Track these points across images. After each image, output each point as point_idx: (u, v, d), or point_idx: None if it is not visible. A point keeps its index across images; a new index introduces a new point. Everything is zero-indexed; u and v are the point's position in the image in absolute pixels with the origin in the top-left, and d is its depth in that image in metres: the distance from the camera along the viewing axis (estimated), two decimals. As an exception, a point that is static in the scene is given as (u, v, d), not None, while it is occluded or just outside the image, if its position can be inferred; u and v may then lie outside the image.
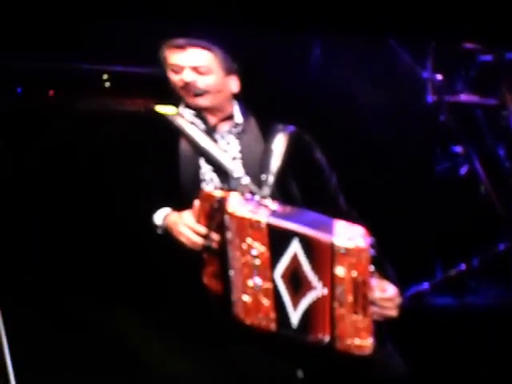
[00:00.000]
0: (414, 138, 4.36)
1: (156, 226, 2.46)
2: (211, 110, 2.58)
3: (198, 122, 2.58)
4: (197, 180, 2.54)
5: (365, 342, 2.30)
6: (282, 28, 3.95)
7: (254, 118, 2.67)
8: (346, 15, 3.95)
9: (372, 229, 3.65)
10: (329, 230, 2.30)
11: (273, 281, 2.33)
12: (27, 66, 3.48)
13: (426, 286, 4.16)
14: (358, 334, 2.29)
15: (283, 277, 2.33)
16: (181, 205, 2.42)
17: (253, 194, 2.49)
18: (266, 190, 2.53)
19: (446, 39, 4.27)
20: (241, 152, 2.59)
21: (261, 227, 2.31)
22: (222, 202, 2.34)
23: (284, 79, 4.08)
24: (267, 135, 2.61)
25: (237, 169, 2.55)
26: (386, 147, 4.28)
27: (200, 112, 2.58)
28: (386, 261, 2.46)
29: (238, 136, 2.61)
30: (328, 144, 4.11)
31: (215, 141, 2.57)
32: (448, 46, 4.33)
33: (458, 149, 4.39)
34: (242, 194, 2.44)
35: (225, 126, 2.61)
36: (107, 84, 3.70)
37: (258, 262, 2.33)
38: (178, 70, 2.53)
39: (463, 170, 4.38)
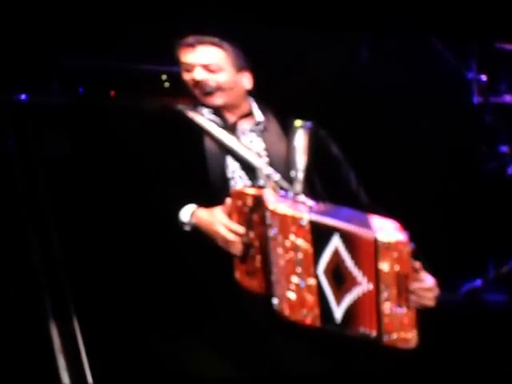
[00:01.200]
0: (462, 139, 4.39)
1: (183, 223, 2.42)
2: (227, 107, 2.57)
3: (218, 120, 2.57)
4: (224, 178, 2.51)
5: (410, 335, 2.32)
6: (326, 29, 3.98)
7: (272, 114, 2.65)
8: (390, 15, 3.99)
9: (427, 227, 3.69)
10: (368, 225, 2.31)
11: (316, 277, 2.32)
12: (89, 66, 3.53)
13: (478, 282, 4.17)
14: (403, 328, 2.31)
15: (326, 272, 2.32)
16: (209, 203, 2.40)
17: (285, 190, 2.47)
18: (298, 187, 2.52)
19: (490, 40, 4.31)
20: (266, 150, 2.57)
21: (303, 224, 2.30)
22: (258, 199, 2.33)
23: (327, 78, 4.12)
24: (288, 132, 2.59)
25: (265, 166, 2.53)
26: (435, 147, 4.31)
27: (217, 110, 2.56)
28: (421, 253, 2.44)
29: (261, 134, 2.59)
30: (377, 145, 4.17)
31: (237, 138, 2.55)
32: (491, 47, 4.36)
33: (505, 148, 4.42)
34: (275, 191, 2.43)
35: (245, 124, 2.60)
36: (166, 84, 3.74)
37: (301, 258, 2.32)
38: (189, 68, 2.52)
39: (511, 170, 4.41)
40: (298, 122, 2.62)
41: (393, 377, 2.57)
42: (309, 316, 2.35)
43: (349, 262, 2.31)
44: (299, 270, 2.33)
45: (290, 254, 2.31)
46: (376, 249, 2.27)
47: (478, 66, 4.36)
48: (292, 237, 2.31)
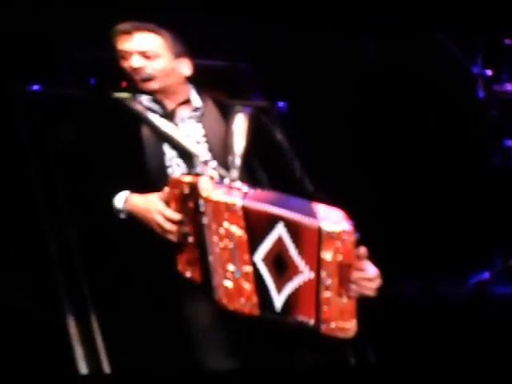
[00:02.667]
0: (468, 133, 4.42)
1: (118, 211, 2.42)
2: (165, 93, 2.55)
3: (156, 107, 2.55)
4: (162, 166, 2.50)
5: (349, 325, 2.30)
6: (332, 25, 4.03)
7: (212, 100, 2.64)
8: (395, 10, 4.04)
9: (436, 220, 3.72)
10: (312, 213, 2.26)
11: (253, 264, 2.30)
12: (101, 57, 3.53)
13: (486, 275, 4.18)
14: (342, 317, 2.28)
15: (265, 260, 2.29)
16: (147, 191, 2.40)
17: (222, 177, 2.46)
18: (235, 173, 2.49)
19: (496, 34, 4.35)
20: (205, 136, 2.55)
21: (236, 210, 2.28)
22: (193, 186, 2.31)
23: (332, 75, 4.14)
24: (227, 117, 2.57)
25: (203, 153, 2.51)
26: (441, 142, 4.34)
27: (155, 97, 2.55)
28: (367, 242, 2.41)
29: (199, 120, 2.57)
30: (382, 140, 4.21)
31: (176, 125, 2.54)
32: (496, 42, 4.40)
33: (510, 143, 4.44)
34: (212, 178, 2.40)
35: (184, 111, 2.58)
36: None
37: (235, 245, 2.30)
38: (126, 56, 2.52)
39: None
40: (237, 108, 2.60)
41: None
42: (247, 305, 2.33)
43: (292, 250, 2.28)
44: (234, 257, 2.31)
45: (224, 241, 2.29)
46: (320, 238, 2.22)
47: (483, 60, 4.39)
48: (226, 224, 2.28)
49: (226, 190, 2.31)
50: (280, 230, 2.27)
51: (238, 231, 2.28)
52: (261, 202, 2.28)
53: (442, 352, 3.36)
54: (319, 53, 4.04)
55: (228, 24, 3.83)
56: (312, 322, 2.29)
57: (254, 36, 3.90)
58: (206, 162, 2.49)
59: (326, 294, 2.26)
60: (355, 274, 2.26)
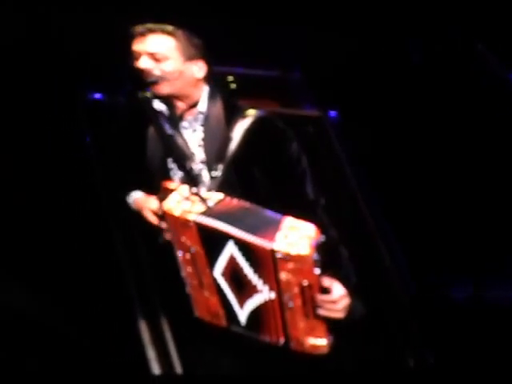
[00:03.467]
0: (503, 138, 4.45)
1: (131, 207, 2.54)
2: (175, 96, 2.48)
3: (165, 109, 2.50)
4: (165, 168, 2.50)
5: (320, 342, 2.24)
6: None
7: (222, 103, 2.52)
8: (439, 20, 4.10)
9: (486, 224, 3.72)
10: (271, 232, 2.17)
11: (214, 279, 2.28)
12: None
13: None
14: (312, 335, 2.23)
15: (224, 275, 2.27)
16: (154, 191, 2.43)
17: (198, 187, 2.39)
18: (213, 183, 2.44)
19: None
20: (203, 140, 2.49)
21: (190, 226, 2.24)
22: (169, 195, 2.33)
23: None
24: (230, 122, 2.47)
25: (194, 158, 2.47)
26: (476, 147, 4.37)
27: (166, 99, 2.49)
28: (339, 260, 2.35)
29: (203, 124, 2.50)
30: (433, 143, 4.23)
31: (179, 128, 2.50)
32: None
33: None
34: (195, 185, 2.38)
35: (192, 113, 2.52)
36: (233, 85, 3.83)
37: (194, 258, 2.28)
38: (137, 57, 2.45)
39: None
40: (249, 112, 2.47)
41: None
42: (215, 317, 2.33)
43: (247, 268, 2.23)
44: (197, 270, 2.30)
45: (186, 255, 2.30)
46: (273, 259, 2.15)
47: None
48: (183, 238, 2.28)
49: (189, 203, 2.28)
50: (231, 248, 2.23)
51: (193, 245, 2.27)
52: (216, 217, 2.23)
53: (494, 354, 3.40)
54: (369, 62, 4.09)
55: (280, 35, 3.90)
56: (281, 340, 2.26)
57: (305, 46, 3.95)
58: (190, 169, 2.46)
59: (291, 315, 2.21)
60: (320, 297, 2.19)
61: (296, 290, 2.17)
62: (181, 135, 2.48)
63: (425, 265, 3.76)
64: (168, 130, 2.48)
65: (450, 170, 4.21)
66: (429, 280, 3.79)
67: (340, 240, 2.40)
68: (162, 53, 2.42)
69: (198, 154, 2.47)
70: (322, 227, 2.27)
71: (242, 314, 2.29)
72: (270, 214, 2.27)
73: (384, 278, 3.65)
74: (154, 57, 2.42)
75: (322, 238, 2.17)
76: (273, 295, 2.21)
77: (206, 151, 2.46)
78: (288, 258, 2.13)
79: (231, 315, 2.31)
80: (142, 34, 2.43)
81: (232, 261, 2.25)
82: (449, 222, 4.01)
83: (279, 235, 2.16)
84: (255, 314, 2.27)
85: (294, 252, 2.12)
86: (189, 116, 2.49)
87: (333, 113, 3.88)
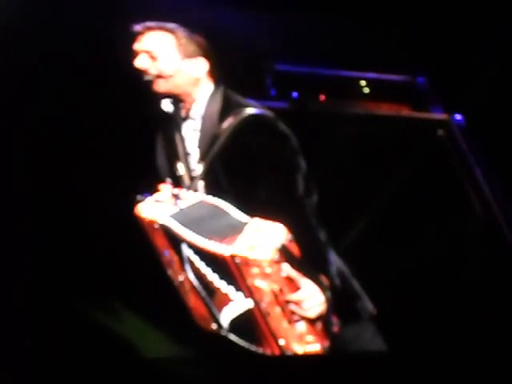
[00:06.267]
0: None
1: None
2: (176, 95, 2.43)
3: (171, 109, 2.47)
4: (172, 168, 2.50)
5: (312, 348, 2.14)
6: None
7: (223, 101, 2.44)
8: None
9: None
10: (235, 236, 2.10)
11: (190, 282, 2.26)
12: (301, 72, 3.81)
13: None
14: (302, 342, 2.13)
15: (198, 279, 2.24)
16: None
17: (180, 187, 2.40)
18: (194, 183, 2.39)
19: None
20: (198, 139, 2.44)
21: (156, 228, 2.24)
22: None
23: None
24: (222, 120, 2.39)
25: (187, 158, 2.44)
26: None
27: (172, 97, 2.45)
28: (322, 262, 2.27)
29: (200, 123, 2.44)
30: None
31: (180, 128, 2.46)
32: None
33: None
34: (180, 186, 2.39)
35: (194, 112, 2.47)
36: (366, 90, 4.01)
37: (171, 261, 2.28)
38: (135, 55, 2.43)
39: None
40: (244, 110, 2.37)
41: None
42: (204, 320, 2.30)
43: (210, 275, 2.18)
44: (175, 273, 2.30)
45: (163, 257, 2.31)
46: (236, 265, 2.07)
47: None
48: (155, 240, 2.29)
49: (161, 206, 2.28)
50: (188, 253, 2.21)
51: (165, 248, 2.27)
52: (183, 221, 2.20)
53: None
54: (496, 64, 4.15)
55: (407, 39, 4.02)
56: (277, 352, 2.15)
57: (432, 50, 4.06)
58: (175, 170, 2.45)
59: (274, 324, 2.10)
60: (290, 297, 2.11)
61: (269, 296, 2.07)
62: (180, 135, 2.45)
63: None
64: (169, 130, 2.47)
65: None
66: None
67: (328, 242, 2.32)
68: (158, 50, 2.38)
69: (195, 153, 2.43)
70: (308, 228, 2.24)
71: (225, 321, 2.23)
72: (240, 216, 2.20)
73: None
74: (150, 55, 2.39)
75: (289, 237, 2.07)
76: (251, 303, 2.12)
77: (200, 151, 2.41)
78: (249, 262, 2.04)
79: (217, 320, 2.25)
80: (142, 33, 2.41)
81: (194, 266, 2.21)
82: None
83: (241, 239, 2.08)
84: (243, 324, 2.18)
85: (252, 256, 2.03)
86: (192, 115, 2.45)
87: (459, 116, 4.01)
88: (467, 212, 3.78)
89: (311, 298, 2.12)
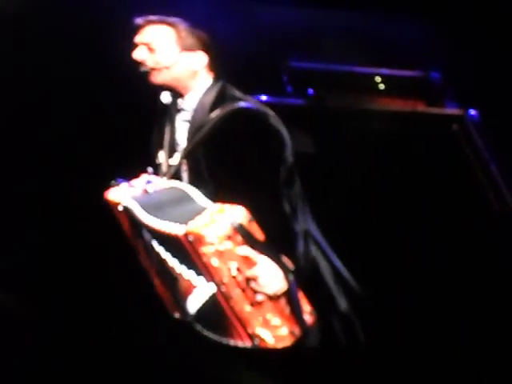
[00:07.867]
0: None
1: None
2: (174, 87, 2.44)
3: (170, 101, 2.48)
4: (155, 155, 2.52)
5: (280, 332, 2.08)
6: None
7: (217, 94, 2.42)
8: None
9: None
10: (192, 221, 2.07)
11: (155, 268, 2.26)
12: (316, 69, 3.85)
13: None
14: (267, 325, 2.08)
15: (161, 265, 2.22)
16: None
17: (157, 174, 2.42)
18: (170, 171, 2.40)
19: None
20: (187, 130, 2.43)
21: (120, 211, 2.24)
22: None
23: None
24: (211, 112, 2.37)
25: (168, 148, 2.46)
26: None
27: (170, 89, 2.46)
28: (274, 240, 2.18)
29: (193, 114, 2.43)
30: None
31: (174, 119, 2.47)
32: None
33: None
34: (159, 174, 2.41)
35: (186, 103, 2.47)
36: (381, 86, 4.05)
37: (136, 245, 2.27)
38: (135, 47, 2.44)
39: None
40: (234, 103, 2.34)
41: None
42: (171, 306, 2.27)
43: (170, 260, 2.16)
44: (143, 257, 2.29)
45: (132, 241, 2.30)
46: (190, 244, 2.04)
47: None
48: (124, 225, 2.29)
49: (129, 190, 2.29)
50: (149, 237, 2.21)
51: (129, 231, 2.27)
52: (144, 204, 2.21)
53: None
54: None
55: (421, 35, 4.05)
56: (248, 343, 2.11)
57: (446, 45, 4.10)
58: (156, 158, 2.49)
59: (238, 308, 2.06)
60: (246, 274, 2.07)
61: (228, 277, 2.04)
62: (172, 126, 2.47)
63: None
64: (163, 121, 2.49)
65: None
66: None
67: (305, 232, 2.27)
68: (156, 42, 2.39)
69: (183, 143, 2.43)
70: (277, 214, 2.21)
71: (191, 310, 2.19)
72: (206, 203, 2.19)
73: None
74: (149, 46, 2.40)
75: (249, 218, 2.06)
76: (213, 287, 2.09)
77: (189, 141, 2.40)
78: (201, 240, 2.00)
79: (184, 310, 2.21)
80: (142, 26, 2.43)
81: (155, 252, 2.20)
82: None
83: (198, 219, 2.06)
84: (210, 314, 2.15)
85: (204, 232, 2.00)
86: (185, 106, 2.46)
87: (473, 111, 4.04)
88: (482, 207, 3.81)
89: (267, 274, 2.09)
